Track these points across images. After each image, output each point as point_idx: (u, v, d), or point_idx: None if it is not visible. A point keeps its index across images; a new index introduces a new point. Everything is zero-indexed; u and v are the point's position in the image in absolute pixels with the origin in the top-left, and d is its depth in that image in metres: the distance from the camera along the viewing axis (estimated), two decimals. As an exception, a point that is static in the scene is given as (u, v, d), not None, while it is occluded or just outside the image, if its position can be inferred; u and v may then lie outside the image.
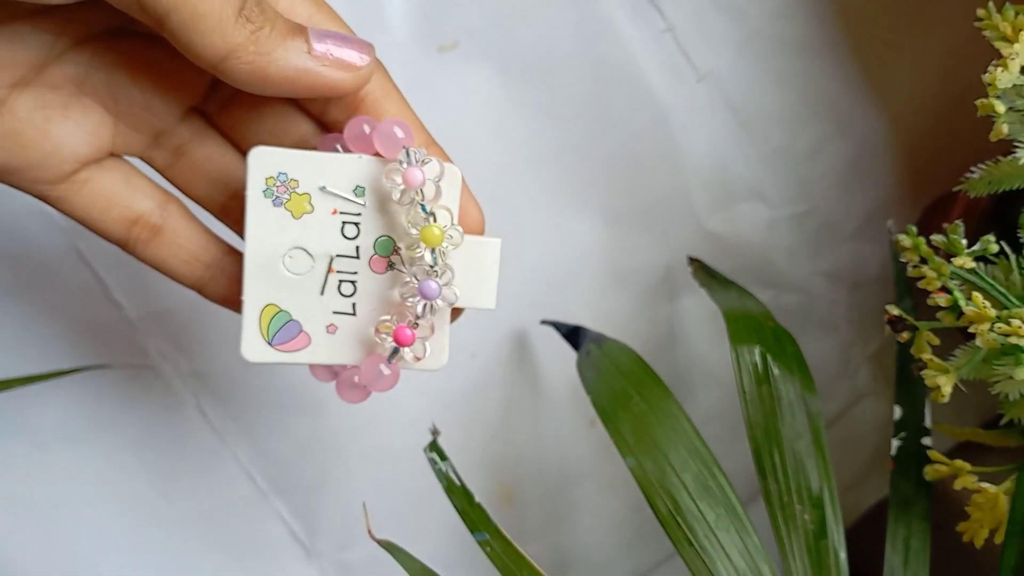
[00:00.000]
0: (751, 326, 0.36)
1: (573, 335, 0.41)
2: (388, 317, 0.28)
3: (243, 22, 0.23)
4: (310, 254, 0.28)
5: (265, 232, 0.27)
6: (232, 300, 0.29)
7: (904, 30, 0.46)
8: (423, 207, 0.27)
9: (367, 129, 0.27)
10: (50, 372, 0.39)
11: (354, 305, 0.28)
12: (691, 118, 0.44)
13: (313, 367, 0.29)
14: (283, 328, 0.28)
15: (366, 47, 0.26)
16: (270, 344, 0.28)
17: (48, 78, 0.26)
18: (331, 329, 0.28)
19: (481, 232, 0.29)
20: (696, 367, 0.48)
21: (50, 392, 0.40)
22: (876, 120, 0.47)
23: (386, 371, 0.28)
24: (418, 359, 0.28)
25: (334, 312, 0.28)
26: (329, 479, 0.44)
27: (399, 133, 0.26)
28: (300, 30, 0.25)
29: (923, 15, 0.46)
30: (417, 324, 0.27)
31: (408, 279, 0.27)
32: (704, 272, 0.42)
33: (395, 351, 0.27)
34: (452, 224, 0.28)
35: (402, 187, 0.26)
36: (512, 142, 0.43)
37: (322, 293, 0.28)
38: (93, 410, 0.41)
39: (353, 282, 0.28)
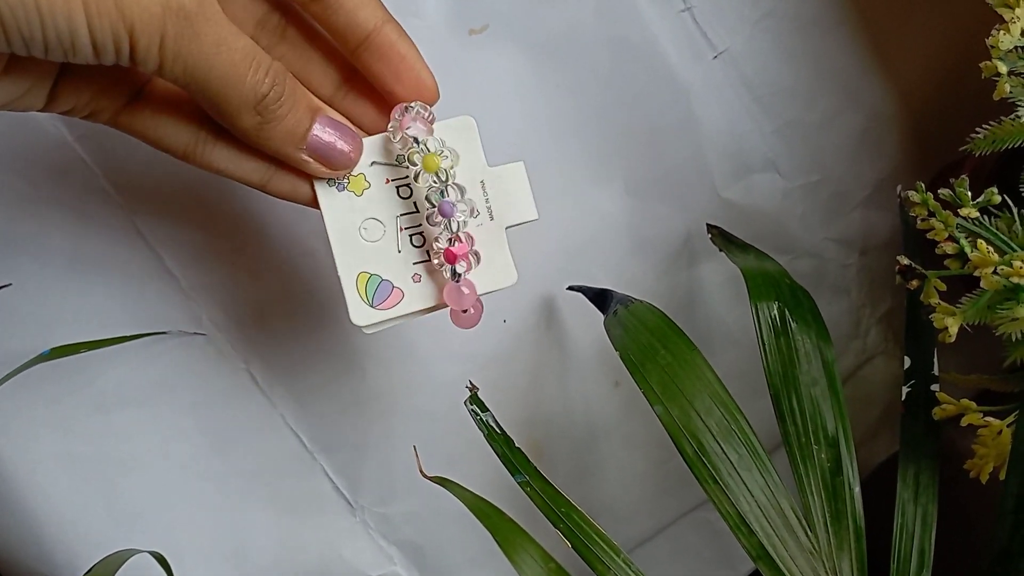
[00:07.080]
0: (769, 283, 0.38)
1: (600, 298, 0.42)
2: (439, 248, 0.31)
3: (253, 115, 0.28)
4: (380, 221, 0.31)
5: (338, 214, 0.31)
6: (293, 194, 0.32)
7: (910, 5, 0.47)
8: (416, 140, 0.30)
9: None
10: (113, 338, 0.40)
11: (428, 252, 0.32)
12: (708, 93, 0.45)
13: (454, 317, 0.32)
14: (378, 289, 0.31)
15: (358, 143, 0.31)
16: (372, 306, 0.31)
17: None
18: (416, 279, 0.32)
19: (434, 94, 0.31)
20: (715, 329, 0.48)
21: (112, 358, 0.41)
22: (885, 93, 0.48)
23: (466, 290, 0.31)
24: (470, 268, 0.31)
25: (414, 263, 0.32)
26: (370, 438, 0.45)
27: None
28: (304, 134, 0.29)
29: (928, -10, 0.46)
30: (457, 240, 0.31)
31: (428, 208, 0.31)
32: (722, 237, 0.43)
33: (453, 271, 0.31)
34: (444, 146, 0.31)
35: (399, 132, 0.30)
36: (539, 118, 0.44)
37: (399, 251, 0.32)
38: (151, 375, 0.42)
39: (420, 233, 0.32)
